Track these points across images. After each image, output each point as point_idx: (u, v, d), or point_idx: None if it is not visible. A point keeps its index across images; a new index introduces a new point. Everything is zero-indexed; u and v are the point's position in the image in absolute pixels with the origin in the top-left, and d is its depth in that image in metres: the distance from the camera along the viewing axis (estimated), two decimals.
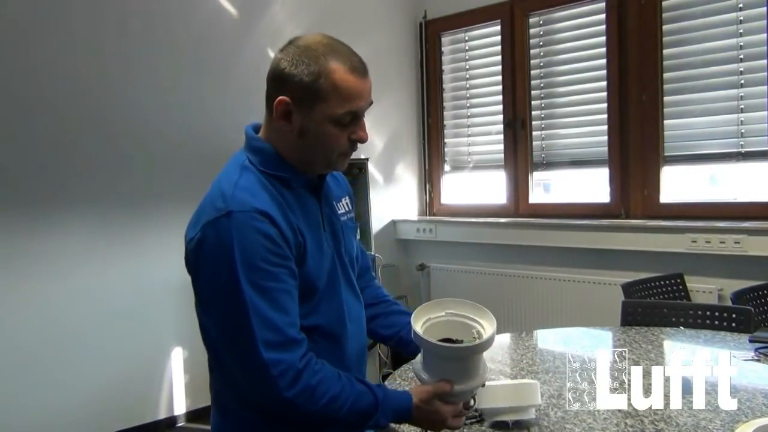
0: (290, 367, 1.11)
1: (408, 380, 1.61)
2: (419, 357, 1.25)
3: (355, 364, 1.32)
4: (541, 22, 3.94)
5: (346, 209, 1.38)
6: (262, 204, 1.15)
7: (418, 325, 1.20)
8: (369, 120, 1.27)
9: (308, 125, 1.18)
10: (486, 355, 1.23)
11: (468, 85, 4.37)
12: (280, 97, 1.18)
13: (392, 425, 1.26)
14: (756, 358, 1.78)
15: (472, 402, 1.26)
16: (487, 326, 1.20)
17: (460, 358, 1.19)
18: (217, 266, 1.13)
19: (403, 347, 1.40)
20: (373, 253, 3.88)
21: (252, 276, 1.11)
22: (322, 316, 1.24)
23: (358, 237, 1.50)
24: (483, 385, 1.23)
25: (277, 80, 1.19)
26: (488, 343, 1.17)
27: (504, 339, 2.10)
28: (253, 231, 1.12)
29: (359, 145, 1.26)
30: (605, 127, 3.66)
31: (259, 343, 1.10)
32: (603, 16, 3.64)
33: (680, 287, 3.21)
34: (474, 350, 1.18)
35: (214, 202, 1.17)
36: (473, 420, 1.37)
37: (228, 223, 1.12)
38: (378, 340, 1.48)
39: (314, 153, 1.22)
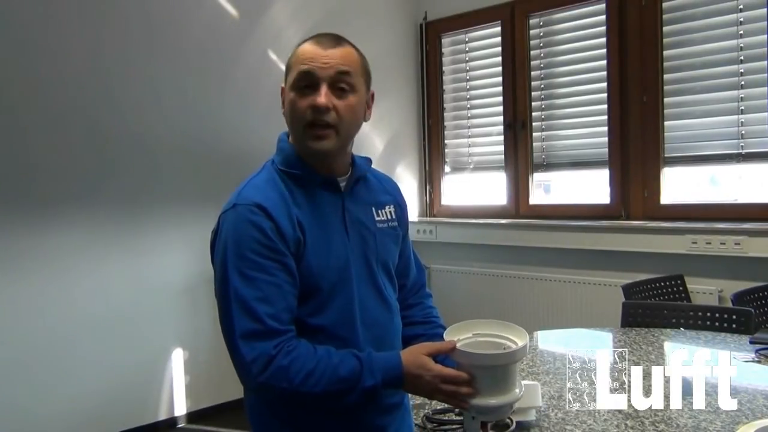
0: (262, 354, 1.13)
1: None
2: None
3: None
4: (541, 23, 3.94)
5: (389, 217, 1.37)
6: (262, 198, 1.19)
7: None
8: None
9: (285, 101, 1.25)
10: None
11: (468, 86, 4.37)
12: (281, 86, 1.27)
13: None
14: (756, 359, 1.78)
15: (509, 421, 1.24)
16: (518, 340, 1.18)
17: (491, 369, 1.15)
18: (217, 254, 1.21)
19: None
20: None
21: (239, 264, 1.16)
22: (328, 316, 1.23)
23: (409, 249, 1.47)
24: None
25: None
26: (520, 352, 1.15)
27: None
28: (247, 223, 1.17)
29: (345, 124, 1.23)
30: (606, 129, 3.66)
31: (236, 328, 1.15)
32: (603, 17, 3.64)
33: (681, 288, 3.21)
34: (503, 358, 1.15)
35: (231, 198, 1.24)
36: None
37: (230, 215, 1.20)
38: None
39: (291, 130, 1.26)
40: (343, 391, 1.14)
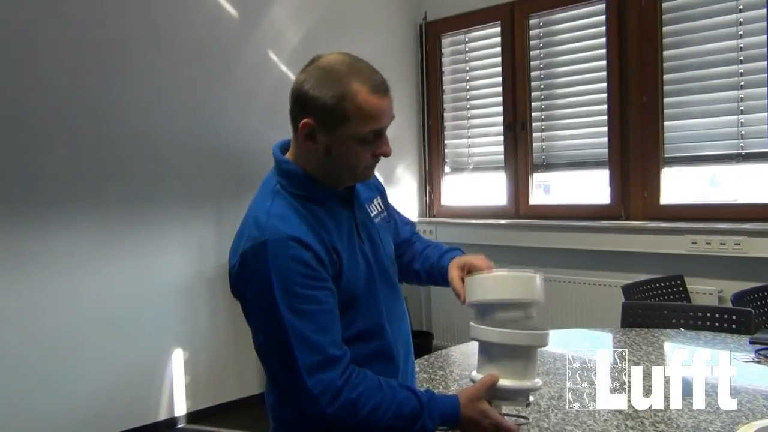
0: (330, 386, 1.15)
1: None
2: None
3: (402, 367, 1.34)
4: (541, 23, 3.94)
5: (379, 209, 1.40)
6: (294, 230, 1.18)
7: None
8: None
9: (333, 145, 1.20)
10: None
11: (468, 87, 4.37)
12: (304, 120, 1.19)
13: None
14: (756, 359, 1.78)
15: (525, 414, 1.26)
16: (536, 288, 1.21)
17: (515, 350, 1.19)
18: (258, 294, 1.18)
19: (435, 275, 1.43)
20: None
21: (291, 302, 1.15)
22: (362, 324, 1.27)
23: (394, 211, 1.51)
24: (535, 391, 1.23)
25: (301, 102, 1.20)
26: (547, 337, 1.20)
27: None
28: (288, 259, 1.16)
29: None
30: (605, 129, 3.66)
31: (301, 366, 1.15)
32: (603, 17, 3.63)
33: (680, 289, 3.21)
34: (531, 339, 1.19)
35: (251, 231, 1.20)
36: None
37: (264, 251, 1.16)
38: (414, 279, 1.50)
39: (341, 170, 1.25)
40: (401, 428, 1.18)
